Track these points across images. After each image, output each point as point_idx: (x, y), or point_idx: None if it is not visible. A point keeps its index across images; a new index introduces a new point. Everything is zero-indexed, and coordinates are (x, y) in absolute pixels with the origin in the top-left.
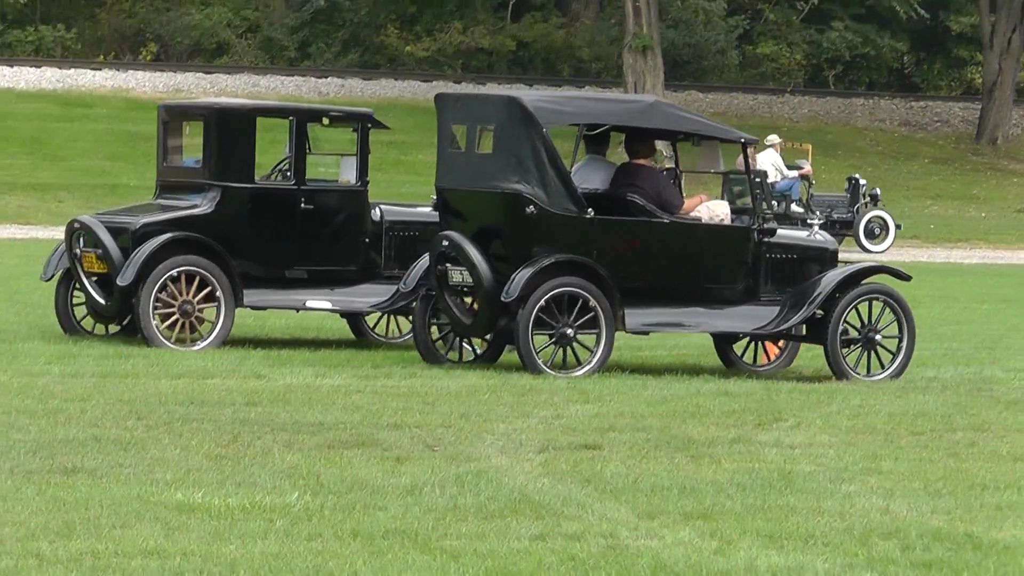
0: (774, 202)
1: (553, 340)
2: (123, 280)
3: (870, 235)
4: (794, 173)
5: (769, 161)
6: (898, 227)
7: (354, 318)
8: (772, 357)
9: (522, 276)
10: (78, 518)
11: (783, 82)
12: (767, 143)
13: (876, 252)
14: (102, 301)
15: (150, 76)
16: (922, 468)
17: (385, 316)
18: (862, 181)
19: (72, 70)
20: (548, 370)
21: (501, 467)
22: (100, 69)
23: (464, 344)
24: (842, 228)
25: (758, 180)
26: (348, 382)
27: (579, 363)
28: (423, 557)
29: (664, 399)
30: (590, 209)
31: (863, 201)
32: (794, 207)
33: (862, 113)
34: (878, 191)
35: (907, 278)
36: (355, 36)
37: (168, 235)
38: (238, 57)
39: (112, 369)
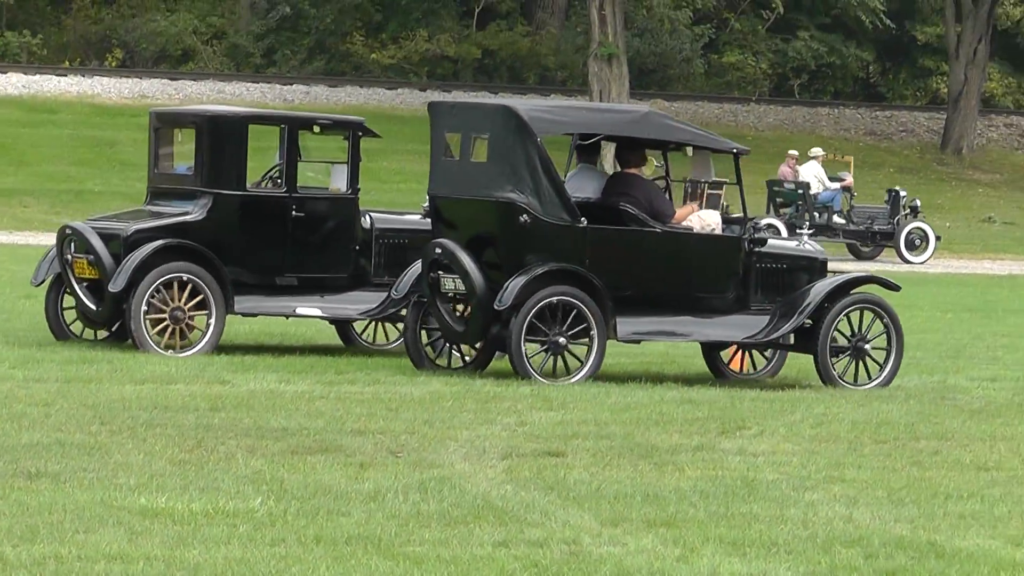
0: (815, 213)
1: (545, 348)
2: (115, 286)
3: (911, 246)
4: (836, 185)
5: (812, 173)
6: (938, 239)
7: (342, 325)
8: (739, 370)
9: (515, 284)
10: (41, 522)
11: (748, 91)
12: (811, 155)
13: (916, 263)
14: (93, 307)
15: (116, 82)
16: (885, 476)
17: (373, 323)
18: (902, 193)
19: (38, 76)
20: (540, 378)
21: (464, 473)
22: (66, 75)
23: (454, 351)
24: (882, 239)
25: (801, 192)
26: (312, 388)
27: (568, 372)
28: (386, 563)
29: (627, 406)
30: (583, 218)
31: (903, 213)
32: (836, 218)
33: (827, 122)
34: (918, 202)
35: (896, 288)
36: (321, 43)
37: (160, 242)
38: (203, 64)
39: (76, 374)
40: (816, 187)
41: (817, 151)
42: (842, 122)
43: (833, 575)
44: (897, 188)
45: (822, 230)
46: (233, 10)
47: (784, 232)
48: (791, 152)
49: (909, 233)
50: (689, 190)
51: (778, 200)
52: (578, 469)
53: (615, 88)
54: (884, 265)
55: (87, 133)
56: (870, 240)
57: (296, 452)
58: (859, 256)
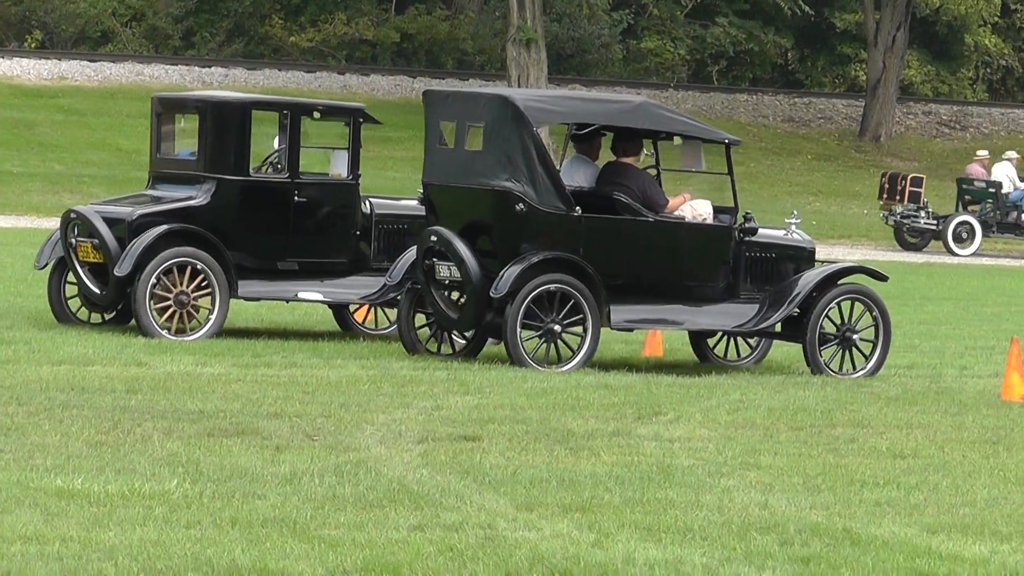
0: (1006, 211)
1: (540, 336)
2: (120, 270)
3: None
4: None
5: (1004, 173)
6: None
7: (339, 309)
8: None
9: (511, 272)
10: None
11: (667, 77)
12: (1004, 157)
13: None
14: (97, 290)
15: (35, 64)
16: (801, 463)
17: (373, 308)
18: None
19: None
20: (536, 365)
21: (380, 457)
22: None
23: (453, 336)
24: None
25: (992, 190)
26: (228, 371)
27: (560, 359)
28: (301, 546)
29: (544, 391)
30: (578, 207)
31: None
32: None
33: (745, 109)
34: None
35: (884, 278)
36: (239, 26)
37: (165, 226)
38: (123, 46)
39: None
40: (1008, 187)
41: (1012, 154)
42: (760, 109)
43: (748, 561)
44: None
45: (1012, 228)
46: None
47: (978, 229)
48: (981, 152)
49: None
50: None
51: (967, 197)
52: (494, 454)
53: (533, 73)
54: None
55: (5, 115)
56: None
57: (212, 435)
58: None
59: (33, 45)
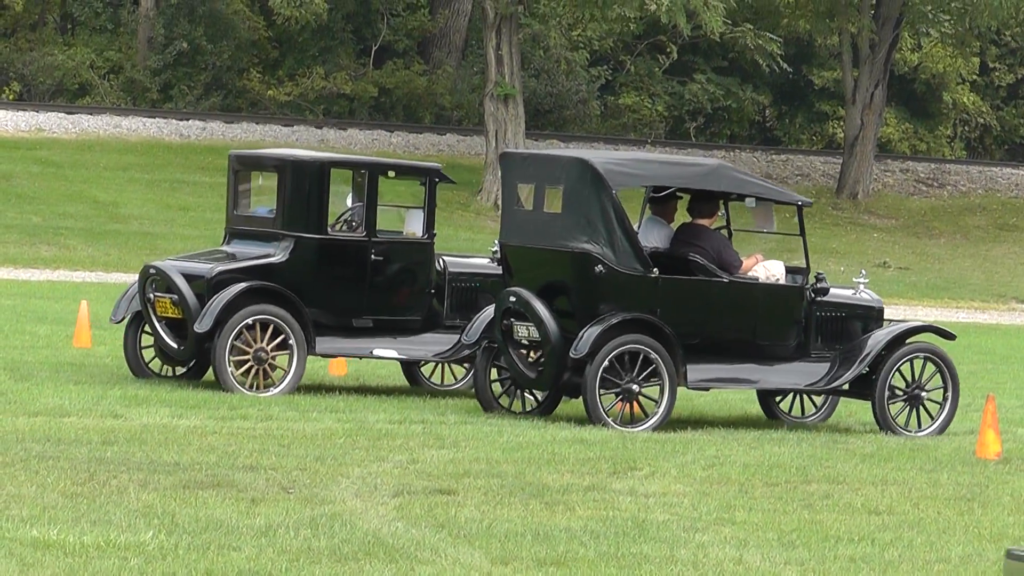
0: None
1: (619, 396)
2: (201, 327)
3: None
4: None
5: None
6: None
7: (409, 365)
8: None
9: (591, 333)
10: None
11: (644, 133)
12: None
13: None
14: (174, 345)
15: (12, 115)
16: (776, 519)
17: (440, 364)
18: None
19: None
20: (615, 424)
21: (355, 510)
22: None
23: (527, 395)
24: None
25: None
26: (204, 423)
27: (633, 419)
28: None
29: (519, 446)
30: (655, 269)
31: None
32: None
33: None
34: None
35: (952, 337)
36: (217, 79)
37: (245, 284)
38: (100, 98)
39: None
40: None
41: None
42: (738, 165)
43: None
44: None
45: None
46: (130, 45)
47: None
48: None
49: None
50: None
51: None
52: (469, 507)
53: (511, 128)
54: None
55: None
56: None
57: (188, 487)
58: None
59: (11, 97)
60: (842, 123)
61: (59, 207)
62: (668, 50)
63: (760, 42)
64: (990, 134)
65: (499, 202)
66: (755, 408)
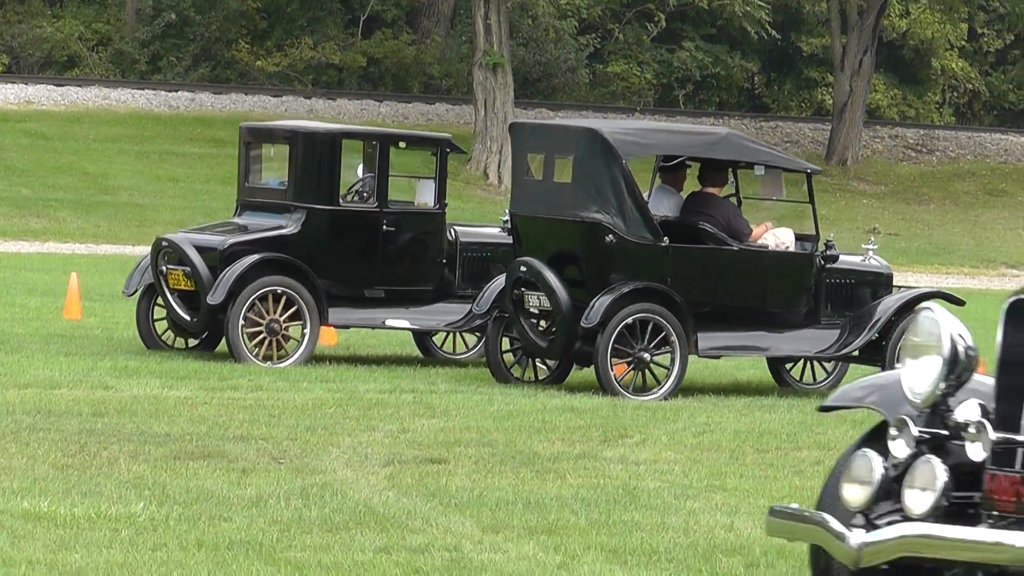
0: None
1: (630, 364)
2: (214, 299)
3: None
4: None
5: None
6: None
7: (421, 335)
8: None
9: (602, 302)
10: None
11: (633, 101)
12: None
13: None
14: (187, 317)
15: (1, 88)
16: (767, 486)
17: (452, 333)
18: None
19: None
20: (627, 393)
21: (346, 480)
22: None
23: (539, 364)
24: None
25: None
26: (195, 394)
27: (646, 386)
28: (267, 568)
29: (510, 414)
30: (665, 238)
31: None
32: None
33: None
34: None
35: (961, 303)
36: (206, 50)
37: (257, 255)
38: (89, 70)
39: None
40: None
41: None
42: None
43: None
44: None
45: None
46: (118, 16)
47: None
48: None
49: None
50: None
51: None
52: (460, 476)
53: (500, 97)
54: None
55: None
56: None
57: (179, 457)
58: None
59: (0, 70)
60: (831, 90)
61: (48, 179)
62: (656, 18)
63: (748, 9)
64: (979, 100)
65: (487, 171)
66: (745, 375)
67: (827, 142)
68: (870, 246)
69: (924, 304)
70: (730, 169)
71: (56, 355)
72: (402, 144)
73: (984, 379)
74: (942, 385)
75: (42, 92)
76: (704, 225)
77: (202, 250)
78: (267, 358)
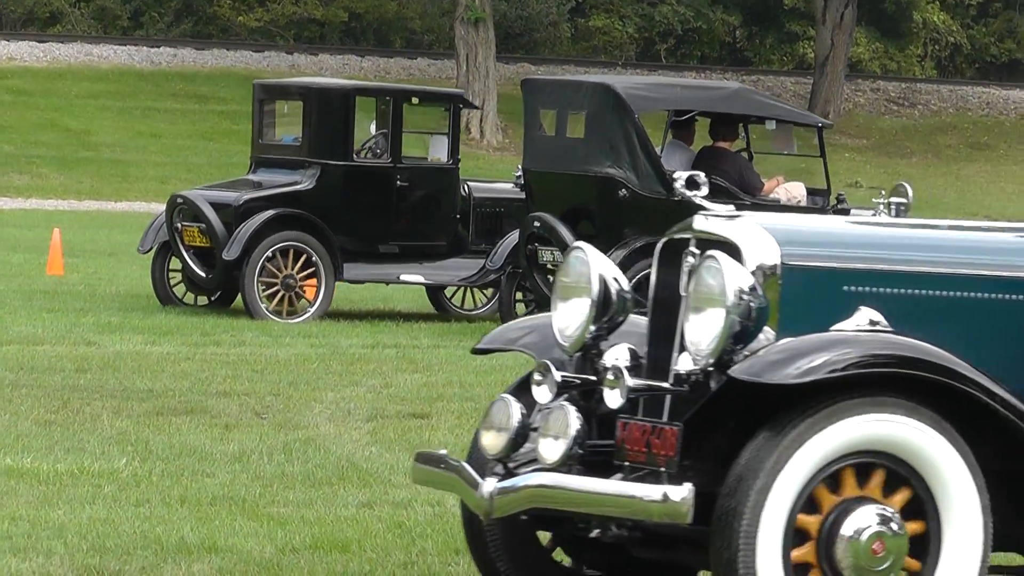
0: None
1: None
2: (229, 255)
3: None
4: None
5: None
6: None
7: (435, 290)
8: None
9: (615, 257)
10: None
11: (615, 55)
12: None
13: None
14: (202, 274)
15: None
16: None
17: (464, 288)
18: None
19: None
20: None
21: (329, 435)
22: None
23: None
24: None
25: None
26: (177, 349)
27: None
28: (250, 523)
29: (492, 369)
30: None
31: None
32: None
33: None
34: None
35: None
36: (188, 6)
37: (272, 211)
38: (71, 26)
39: None
40: None
41: None
42: None
43: None
44: None
45: None
46: None
47: None
48: None
49: None
50: None
51: None
52: (442, 431)
53: (482, 52)
54: None
55: None
56: None
57: (161, 413)
58: None
59: None
60: (812, 43)
61: (31, 135)
62: None
63: None
64: (960, 53)
65: (469, 126)
66: None
67: (809, 96)
68: (881, 200)
69: (576, 243)
70: (741, 124)
71: (39, 311)
72: (415, 100)
73: (642, 321)
74: (592, 328)
75: (24, 49)
76: (716, 179)
77: (217, 206)
78: (280, 313)
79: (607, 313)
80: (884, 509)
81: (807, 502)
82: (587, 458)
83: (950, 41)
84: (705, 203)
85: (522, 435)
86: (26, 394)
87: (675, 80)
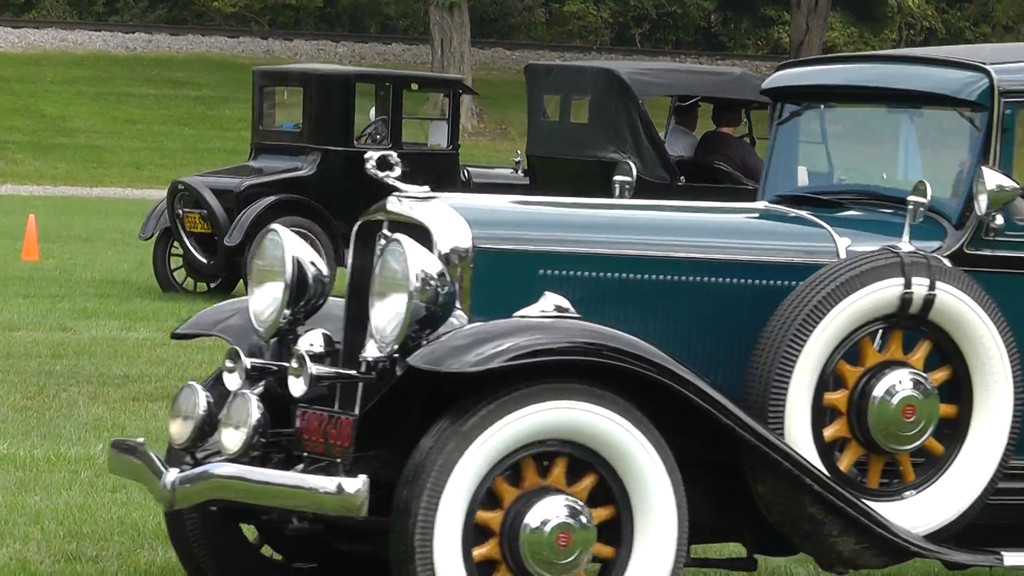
0: None
1: None
2: (231, 240)
3: None
4: None
5: None
6: None
7: None
8: None
9: None
10: None
11: (590, 40)
12: None
13: None
14: (204, 260)
15: None
16: None
17: None
18: None
19: None
20: None
21: None
22: None
23: None
24: None
25: None
26: (154, 335)
27: None
28: None
29: None
30: (682, 176)
31: None
32: None
33: None
34: None
35: None
36: None
37: (274, 197)
38: (46, 12)
39: None
40: None
41: None
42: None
43: None
44: None
45: None
46: None
47: None
48: None
49: None
50: None
51: None
52: None
53: (456, 37)
54: None
55: None
56: None
57: (138, 399)
58: None
59: None
60: (787, 28)
61: (6, 121)
62: None
63: None
64: (935, 37)
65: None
66: None
67: None
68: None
69: (270, 226)
70: (744, 109)
71: (14, 297)
72: (415, 86)
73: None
74: (287, 312)
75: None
76: (720, 164)
77: (218, 193)
78: None
79: (303, 297)
80: (569, 499)
81: (488, 496)
82: (272, 450)
83: (925, 26)
84: (398, 184)
85: (210, 424)
86: (2, 380)
87: (678, 65)
